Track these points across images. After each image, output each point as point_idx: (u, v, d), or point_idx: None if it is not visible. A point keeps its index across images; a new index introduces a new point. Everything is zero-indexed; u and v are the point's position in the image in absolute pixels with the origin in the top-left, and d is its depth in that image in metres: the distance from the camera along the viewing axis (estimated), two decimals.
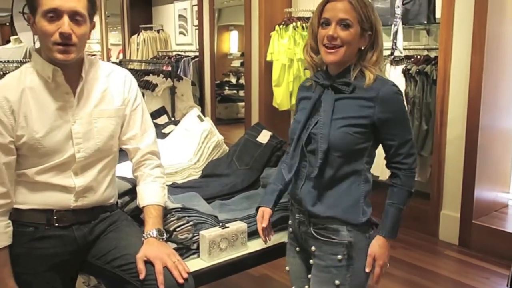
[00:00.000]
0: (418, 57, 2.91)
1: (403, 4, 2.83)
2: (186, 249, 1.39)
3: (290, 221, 1.37)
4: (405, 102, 1.24)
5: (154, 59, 4.85)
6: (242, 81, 4.79)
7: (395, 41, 2.82)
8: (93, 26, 1.25)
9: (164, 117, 2.53)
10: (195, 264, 1.34)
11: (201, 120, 2.10)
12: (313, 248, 1.27)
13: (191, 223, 1.39)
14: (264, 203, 1.37)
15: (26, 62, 3.27)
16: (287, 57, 3.43)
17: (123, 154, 1.40)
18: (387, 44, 2.93)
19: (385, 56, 2.98)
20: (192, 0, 4.84)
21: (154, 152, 1.38)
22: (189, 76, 4.52)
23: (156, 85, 3.80)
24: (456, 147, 2.72)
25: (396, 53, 2.86)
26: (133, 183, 1.43)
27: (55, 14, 1.15)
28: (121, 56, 5.98)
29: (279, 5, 3.67)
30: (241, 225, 1.44)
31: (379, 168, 2.80)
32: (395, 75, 2.91)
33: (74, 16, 1.17)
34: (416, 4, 2.86)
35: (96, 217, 1.31)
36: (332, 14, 1.19)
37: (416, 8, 2.86)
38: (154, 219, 1.27)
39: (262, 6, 3.67)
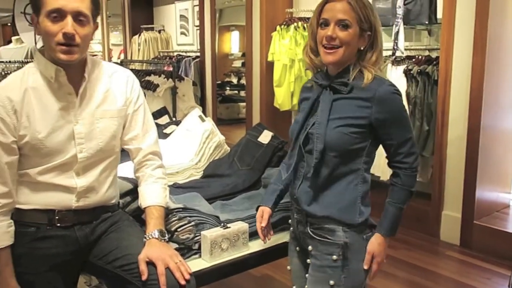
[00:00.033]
0: (420, 57, 2.90)
1: (404, 4, 2.83)
2: (187, 249, 1.39)
3: (290, 221, 1.38)
4: (403, 102, 1.23)
5: (156, 60, 4.86)
6: (243, 81, 4.79)
7: (396, 41, 2.82)
8: (96, 27, 1.25)
9: (166, 117, 2.53)
10: (197, 264, 1.35)
11: (203, 120, 2.10)
12: (310, 247, 1.28)
13: (192, 223, 1.39)
14: (264, 203, 1.38)
15: (27, 62, 3.28)
16: (288, 57, 3.43)
17: (125, 154, 1.40)
18: (388, 44, 2.93)
19: (386, 56, 2.98)
20: (193, 0, 4.84)
21: (156, 153, 1.38)
22: (190, 76, 4.52)
23: (158, 85, 3.80)
24: (458, 147, 2.72)
25: (398, 54, 2.86)
26: (135, 183, 1.44)
27: (58, 15, 1.15)
28: (122, 57, 5.99)
29: (280, 5, 3.67)
30: (242, 225, 1.44)
31: (380, 168, 2.82)
32: (396, 75, 2.91)
33: (78, 16, 1.17)
34: (418, 4, 2.85)
35: (97, 217, 1.31)
36: (331, 15, 1.19)
37: (417, 9, 2.86)
38: (156, 220, 1.27)
39: (263, 6, 3.67)
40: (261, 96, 3.81)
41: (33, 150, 1.21)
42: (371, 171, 3.11)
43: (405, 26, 2.85)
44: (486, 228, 2.64)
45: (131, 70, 2.90)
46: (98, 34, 5.74)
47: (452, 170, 2.76)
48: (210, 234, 1.37)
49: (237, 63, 5.11)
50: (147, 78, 3.94)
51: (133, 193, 1.45)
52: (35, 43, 4.58)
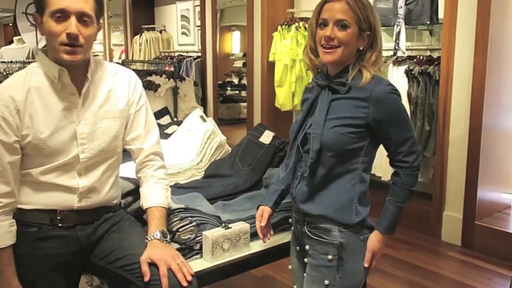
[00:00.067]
0: (421, 57, 2.90)
1: (405, 4, 2.83)
2: (189, 250, 1.39)
3: (290, 220, 1.39)
4: (405, 102, 1.23)
5: (157, 60, 4.86)
6: (244, 81, 4.79)
7: (397, 41, 2.82)
8: (99, 28, 1.26)
9: (167, 117, 2.53)
10: (198, 264, 1.35)
11: (204, 120, 2.10)
12: (307, 247, 1.28)
13: (194, 223, 1.39)
14: (264, 202, 1.38)
15: (29, 62, 3.29)
16: (289, 57, 3.43)
17: (126, 154, 1.41)
18: (389, 44, 2.93)
19: (387, 56, 2.98)
20: (194, 1, 4.84)
21: (158, 153, 1.38)
22: (191, 77, 4.52)
23: (159, 85, 3.80)
24: (459, 147, 2.71)
25: (399, 54, 2.86)
26: (136, 183, 1.44)
27: (62, 15, 1.15)
28: (123, 57, 5.99)
29: (281, 5, 3.67)
30: (243, 226, 1.44)
31: (382, 169, 2.82)
32: (397, 75, 2.90)
33: (82, 17, 1.17)
34: (419, 4, 2.85)
35: (99, 218, 1.31)
36: (329, 15, 1.19)
37: (419, 9, 2.86)
38: (158, 221, 1.27)
39: (264, 7, 3.67)
40: (262, 96, 3.81)
41: (36, 150, 1.21)
42: (372, 171, 3.11)
43: (406, 26, 2.84)
44: (488, 228, 2.63)
45: (132, 70, 2.90)
46: (99, 34, 5.71)
47: (454, 170, 2.76)
48: (211, 234, 1.37)
49: (238, 63, 5.11)
50: (148, 78, 3.93)
51: (135, 193, 1.45)
52: (37, 43, 4.59)
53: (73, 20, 1.16)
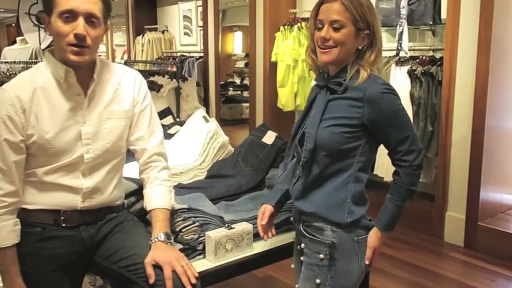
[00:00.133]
0: (424, 58, 2.89)
1: (408, 4, 2.82)
2: (192, 250, 1.39)
3: (292, 219, 1.40)
4: (398, 99, 1.20)
5: (159, 60, 4.87)
6: (246, 81, 4.80)
7: (400, 41, 2.81)
8: (106, 29, 1.26)
9: (169, 117, 2.54)
10: (201, 264, 1.35)
11: (207, 121, 2.10)
12: (302, 245, 1.29)
13: (197, 223, 1.40)
14: (267, 201, 1.39)
15: (32, 63, 3.30)
16: (291, 57, 3.43)
17: (129, 155, 1.41)
18: (392, 44, 2.93)
19: (390, 56, 2.98)
20: (196, 1, 4.85)
21: (161, 154, 1.38)
22: (193, 77, 4.53)
23: (161, 85, 3.81)
24: (462, 148, 2.71)
25: (402, 54, 2.85)
26: (139, 183, 1.44)
27: (71, 15, 1.16)
28: (125, 57, 6.01)
29: (283, 5, 3.67)
30: (246, 226, 1.44)
31: (384, 169, 2.81)
32: (400, 76, 2.90)
33: (90, 18, 1.18)
34: (422, 4, 2.85)
35: (102, 218, 1.31)
36: (325, 16, 1.20)
37: (421, 9, 2.85)
38: (162, 223, 1.28)
39: (266, 7, 3.67)
40: (265, 96, 3.81)
41: (40, 150, 1.21)
42: (375, 171, 3.09)
43: (409, 26, 2.84)
44: (491, 229, 2.63)
45: None
46: None
47: (456, 171, 2.75)
48: (214, 234, 1.37)
49: (240, 64, 5.12)
50: (151, 78, 3.94)
51: (138, 193, 1.45)
52: (40, 44, 4.60)
53: (81, 21, 1.16)
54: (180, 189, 1.72)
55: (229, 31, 4.98)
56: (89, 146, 1.25)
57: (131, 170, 1.51)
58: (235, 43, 5.09)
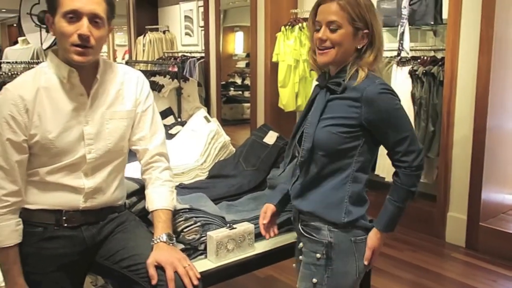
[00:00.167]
0: (425, 58, 2.89)
1: (409, 5, 2.82)
2: (193, 250, 1.39)
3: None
4: (397, 99, 1.19)
5: (160, 60, 4.87)
6: (247, 82, 4.80)
7: (401, 42, 2.81)
8: (110, 30, 1.26)
9: (171, 118, 2.54)
10: (202, 265, 1.35)
11: (208, 121, 2.10)
12: (301, 244, 1.30)
13: (198, 224, 1.40)
14: (269, 200, 1.39)
15: (33, 63, 3.31)
16: (293, 58, 3.43)
17: (131, 155, 1.41)
18: (393, 45, 2.93)
19: (391, 57, 2.98)
20: (198, 1, 4.85)
21: (163, 154, 1.38)
22: (195, 77, 4.53)
23: (163, 86, 3.81)
24: (463, 148, 2.70)
25: (403, 54, 2.85)
26: (141, 183, 1.44)
27: (75, 16, 1.16)
28: (127, 57, 6.02)
29: (285, 6, 3.67)
30: (248, 226, 1.44)
31: (385, 169, 2.81)
32: (401, 76, 2.90)
33: (94, 18, 1.18)
34: (423, 4, 2.84)
35: (104, 218, 1.31)
36: (321, 17, 1.20)
37: (423, 9, 2.85)
38: (164, 224, 1.28)
39: (268, 7, 3.67)
40: (266, 96, 3.82)
41: (43, 150, 1.22)
42: (376, 171, 3.08)
43: (410, 26, 2.84)
44: (492, 230, 2.62)
45: None
46: None
47: (458, 171, 2.75)
48: (216, 235, 1.37)
49: (241, 64, 5.12)
50: (152, 78, 3.94)
51: (139, 193, 1.45)
52: (41, 44, 4.61)
53: (85, 21, 1.16)
54: (182, 189, 1.72)
55: (230, 31, 4.98)
56: (92, 146, 1.25)
57: (132, 170, 1.51)
58: (236, 43, 5.09)
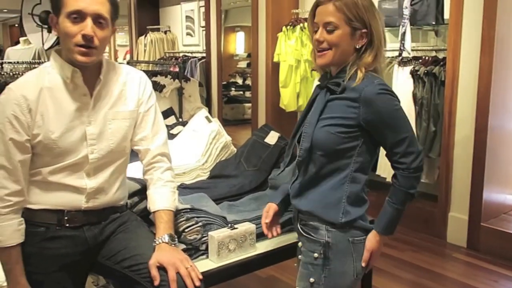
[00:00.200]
0: (426, 58, 2.89)
1: (411, 5, 2.82)
2: (195, 250, 1.39)
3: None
4: (396, 100, 1.18)
5: (162, 60, 4.87)
6: (248, 82, 4.80)
7: (403, 42, 2.81)
8: (114, 30, 1.26)
9: (172, 118, 2.55)
10: (204, 265, 1.35)
11: (209, 121, 2.11)
12: (300, 243, 1.30)
13: (200, 224, 1.40)
14: (271, 199, 1.39)
15: (35, 63, 3.31)
16: (294, 58, 3.43)
17: (133, 155, 1.41)
18: (395, 45, 2.93)
19: (393, 57, 2.97)
20: (199, 1, 4.86)
21: (165, 154, 1.38)
22: (196, 77, 4.53)
23: (164, 86, 3.81)
24: (465, 148, 2.70)
25: (404, 54, 2.85)
26: (142, 183, 1.44)
27: (79, 16, 1.16)
28: (128, 57, 6.02)
29: (286, 6, 3.67)
30: (249, 226, 1.45)
31: (387, 170, 2.81)
32: (403, 76, 2.90)
33: (98, 19, 1.18)
34: (424, 5, 2.84)
35: (106, 218, 1.32)
36: (319, 19, 1.21)
37: (424, 9, 2.85)
38: (166, 224, 1.28)
39: (269, 7, 3.67)
40: (267, 96, 3.82)
41: (46, 150, 1.22)
42: (377, 172, 3.08)
43: (411, 26, 2.84)
44: (493, 230, 2.62)
45: None
46: None
47: (459, 171, 2.75)
48: (217, 235, 1.37)
49: (242, 64, 5.11)
50: (154, 79, 3.94)
51: (141, 193, 1.46)
52: (43, 44, 4.62)
53: (89, 21, 1.17)
54: (183, 189, 1.73)
55: (231, 32, 4.98)
56: (94, 146, 1.25)
57: (134, 170, 1.52)
58: (237, 44, 5.09)
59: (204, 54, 4.69)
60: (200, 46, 4.94)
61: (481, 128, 2.60)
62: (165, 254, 1.21)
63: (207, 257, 1.39)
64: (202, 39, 4.88)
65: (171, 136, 2.18)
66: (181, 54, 5.03)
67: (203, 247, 1.40)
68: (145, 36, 5.28)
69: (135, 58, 5.42)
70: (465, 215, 2.73)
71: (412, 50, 2.88)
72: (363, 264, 1.23)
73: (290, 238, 1.51)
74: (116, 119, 1.28)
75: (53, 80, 1.23)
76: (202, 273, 1.24)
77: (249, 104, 4.31)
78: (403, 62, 2.91)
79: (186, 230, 1.38)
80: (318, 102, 1.25)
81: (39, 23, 4.65)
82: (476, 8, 2.59)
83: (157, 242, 1.25)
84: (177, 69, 4.02)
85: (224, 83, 4.76)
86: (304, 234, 1.27)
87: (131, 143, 1.36)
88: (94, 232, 1.29)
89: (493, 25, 2.51)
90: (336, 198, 1.21)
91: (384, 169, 2.79)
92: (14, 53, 4.83)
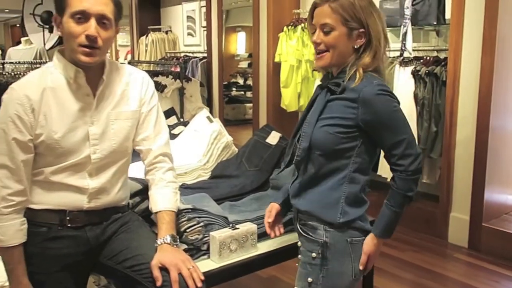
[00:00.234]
0: (428, 58, 2.89)
1: (412, 5, 2.82)
2: (196, 250, 1.40)
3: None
4: (395, 101, 1.18)
5: (163, 60, 4.88)
6: (249, 82, 4.79)
7: (404, 42, 2.81)
8: (117, 31, 1.27)
9: (173, 118, 2.55)
10: (205, 265, 1.35)
11: (211, 121, 2.11)
12: (299, 243, 1.31)
13: (201, 224, 1.40)
14: (274, 199, 1.39)
15: (36, 63, 3.31)
16: (295, 58, 3.43)
17: (134, 155, 1.41)
18: (396, 45, 2.93)
19: (394, 57, 2.97)
20: (200, 1, 4.86)
21: (167, 154, 1.38)
22: (197, 77, 4.54)
23: (165, 86, 3.81)
24: (466, 148, 2.70)
25: (406, 54, 2.85)
26: (144, 183, 1.44)
27: (83, 16, 1.17)
28: (129, 57, 6.02)
29: (287, 6, 3.68)
30: (251, 227, 1.45)
31: (387, 170, 2.80)
32: (404, 76, 2.89)
33: (101, 19, 1.18)
34: (426, 5, 2.84)
35: (108, 218, 1.32)
36: (316, 20, 1.22)
37: (425, 9, 2.85)
38: (167, 225, 1.28)
39: (270, 7, 3.67)
40: (268, 97, 3.82)
41: (48, 150, 1.22)
42: (378, 172, 3.07)
43: (413, 26, 2.83)
44: (495, 230, 2.62)
45: None
46: None
47: (461, 172, 2.74)
48: (219, 235, 1.37)
49: (243, 64, 5.11)
50: (155, 79, 3.94)
51: (143, 193, 1.46)
52: (44, 44, 4.62)
53: (92, 22, 1.17)
54: (184, 189, 1.73)
55: (233, 32, 4.98)
56: (96, 146, 1.25)
57: (136, 170, 1.52)
58: (239, 44, 5.09)
59: (205, 54, 4.69)
60: (201, 46, 4.94)
61: (483, 128, 2.60)
62: (167, 254, 1.21)
63: (209, 257, 1.40)
64: (203, 39, 4.89)
65: (173, 136, 2.18)
66: (182, 54, 5.04)
67: (205, 247, 1.40)
68: (146, 36, 5.28)
69: (136, 58, 5.42)
70: (466, 215, 2.72)
71: (414, 50, 2.87)
72: (361, 267, 1.23)
73: (292, 238, 1.51)
74: (119, 119, 1.29)
75: (56, 80, 1.23)
76: (204, 273, 1.24)
77: (250, 104, 4.31)
78: (405, 62, 2.90)
79: (188, 230, 1.38)
80: (318, 102, 1.25)
81: (40, 23, 4.66)
82: (477, 8, 2.59)
83: (159, 243, 1.25)
84: (178, 69, 4.03)
85: (225, 83, 4.76)
86: (303, 233, 1.27)
87: (133, 143, 1.36)
88: (96, 232, 1.29)
89: (495, 25, 2.51)
90: (335, 198, 1.21)
91: (385, 169, 2.78)
92: (15, 53, 4.84)
